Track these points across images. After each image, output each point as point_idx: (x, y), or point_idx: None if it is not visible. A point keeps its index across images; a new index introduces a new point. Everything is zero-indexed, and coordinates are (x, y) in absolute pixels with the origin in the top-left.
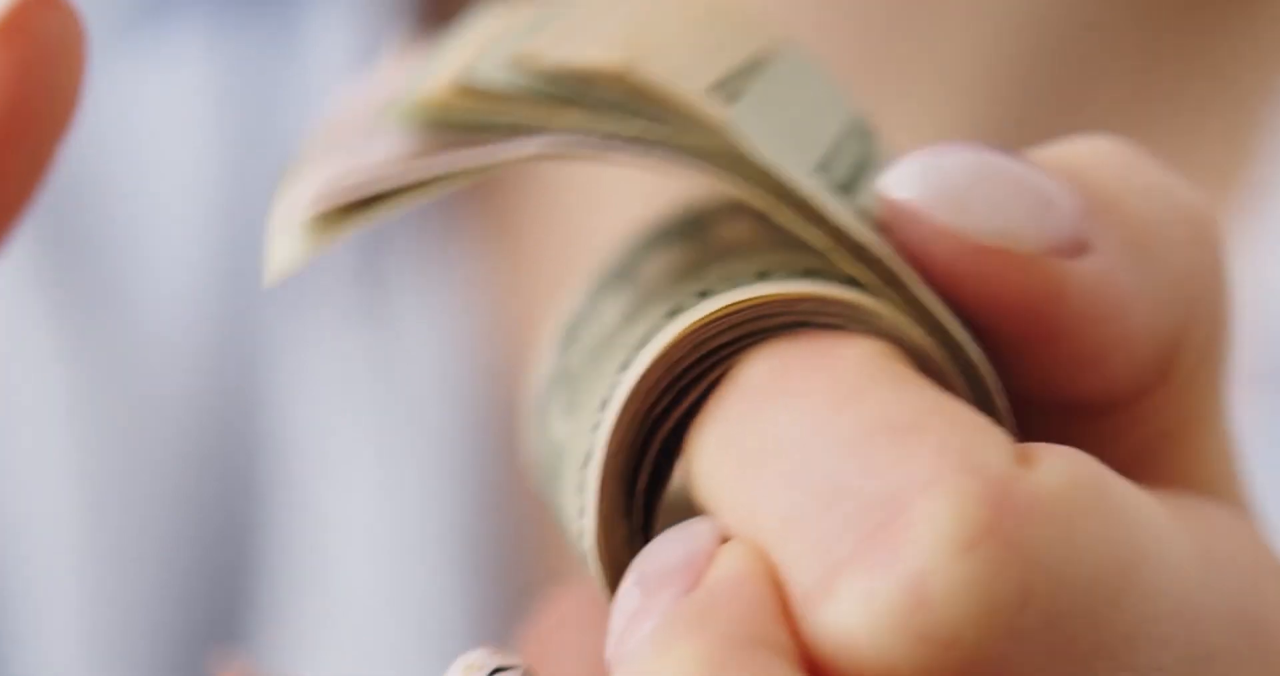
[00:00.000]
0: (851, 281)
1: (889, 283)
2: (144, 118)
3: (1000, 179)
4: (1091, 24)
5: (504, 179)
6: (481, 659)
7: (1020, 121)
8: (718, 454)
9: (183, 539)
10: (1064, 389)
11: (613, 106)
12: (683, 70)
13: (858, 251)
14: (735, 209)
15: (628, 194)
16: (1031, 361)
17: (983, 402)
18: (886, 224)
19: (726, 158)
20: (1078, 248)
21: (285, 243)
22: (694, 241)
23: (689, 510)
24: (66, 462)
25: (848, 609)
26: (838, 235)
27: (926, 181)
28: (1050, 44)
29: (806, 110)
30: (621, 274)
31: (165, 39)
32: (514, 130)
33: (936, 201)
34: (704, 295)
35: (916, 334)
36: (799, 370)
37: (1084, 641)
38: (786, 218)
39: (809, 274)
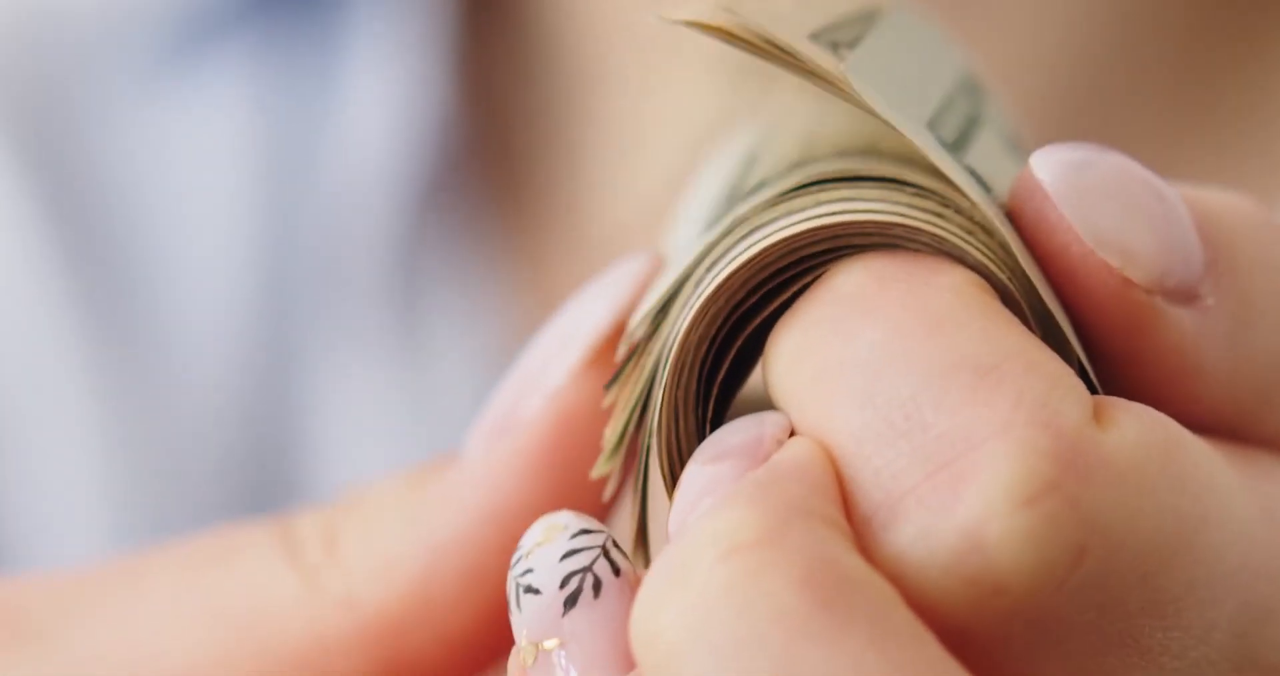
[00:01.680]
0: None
1: (982, 229)
2: (182, 156)
3: (1143, 200)
4: (1137, 30)
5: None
6: (567, 519)
7: (1063, 124)
8: (797, 357)
9: None
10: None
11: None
12: (782, 18)
13: (951, 199)
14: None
15: (647, 194)
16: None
17: (1060, 351)
18: (1015, 192)
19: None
20: (1187, 297)
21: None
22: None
23: (762, 410)
24: (102, 498)
25: (905, 540)
26: (940, 179)
27: (1072, 172)
28: (1095, 50)
29: (918, 65)
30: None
31: (203, 77)
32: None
33: (1069, 194)
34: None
35: (1003, 275)
36: (892, 288)
37: (1133, 601)
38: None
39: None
